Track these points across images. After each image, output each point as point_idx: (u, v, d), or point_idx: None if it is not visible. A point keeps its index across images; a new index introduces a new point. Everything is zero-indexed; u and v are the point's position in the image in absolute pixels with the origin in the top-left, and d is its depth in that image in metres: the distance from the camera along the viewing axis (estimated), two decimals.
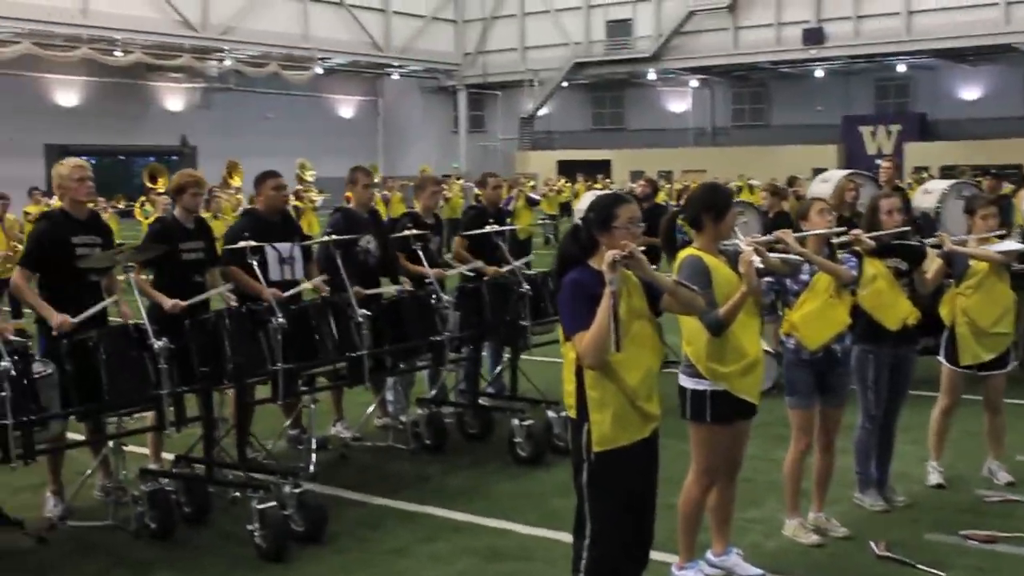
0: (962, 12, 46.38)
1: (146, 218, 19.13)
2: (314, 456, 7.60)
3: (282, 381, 6.60)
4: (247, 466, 6.73)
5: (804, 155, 50.41)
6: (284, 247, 7.77)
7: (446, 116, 63.08)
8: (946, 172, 34.83)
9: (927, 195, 11.84)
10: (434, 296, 7.77)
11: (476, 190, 28.74)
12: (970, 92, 54.76)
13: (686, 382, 5.29)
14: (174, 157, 49.23)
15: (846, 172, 11.55)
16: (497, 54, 59.41)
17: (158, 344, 5.85)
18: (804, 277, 6.01)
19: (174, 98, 53.70)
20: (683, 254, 5.26)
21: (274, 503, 6.11)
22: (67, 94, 49.53)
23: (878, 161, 41.30)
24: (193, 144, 51.60)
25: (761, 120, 60.70)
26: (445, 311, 7.73)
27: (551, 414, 8.05)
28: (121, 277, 6.80)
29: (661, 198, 36.70)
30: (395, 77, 60.14)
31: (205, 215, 16.40)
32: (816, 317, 5.95)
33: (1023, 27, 45.61)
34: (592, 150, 58.65)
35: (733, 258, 5.22)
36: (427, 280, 8.20)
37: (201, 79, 52.91)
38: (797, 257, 5.79)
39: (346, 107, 61.50)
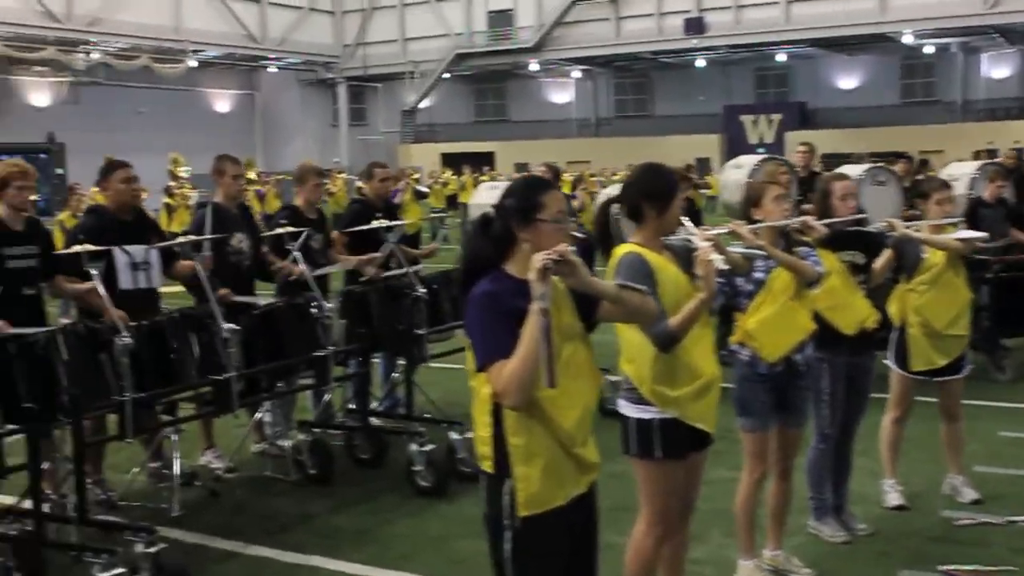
0: (839, 2, 46.65)
1: None
2: (177, 495, 6.48)
3: (130, 414, 5.45)
4: (89, 520, 5.52)
5: (687, 145, 50.55)
6: (137, 250, 6.60)
7: (326, 110, 61.58)
8: (828, 160, 34.79)
9: None
10: (315, 304, 6.66)
11: (359, 183, 27.69)
12: (848, 81, 55.40)
13: (628, 409, 4.27)
14: (41, 155, 46.80)
15: (761, 157, 10.76)
16: (377, 45, 58.10)
17: None
18: (758, 275, 5.03)
19: (39, 93, 51.15)
20: (620, 251, 4.25)
21: (121, 570, 4.96)
22: None
23: (760, 150, 41.10)
24: (61, 141, 49.15)
25: (644, 110, 60.71)
26: (328, 321, 6.63)
27: (454, 436, 7.02)
28: None
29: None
30: (272, 70, 58.38)
31: (63, 215, 15.01)
32: (775, 323, 4.95)
33: (898, 17, 46.10)
34: (475, 142, 57.81)
35: (682, 255, 4.25)
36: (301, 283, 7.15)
37: (68, 73, 50.51)
38: (758, 251, 4.81)
39: (222, 101, 59.46)
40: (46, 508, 5.63)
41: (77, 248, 5.73)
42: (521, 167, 47.60)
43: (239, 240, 7.35)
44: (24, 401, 5.21)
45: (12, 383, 5.24)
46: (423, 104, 59.24)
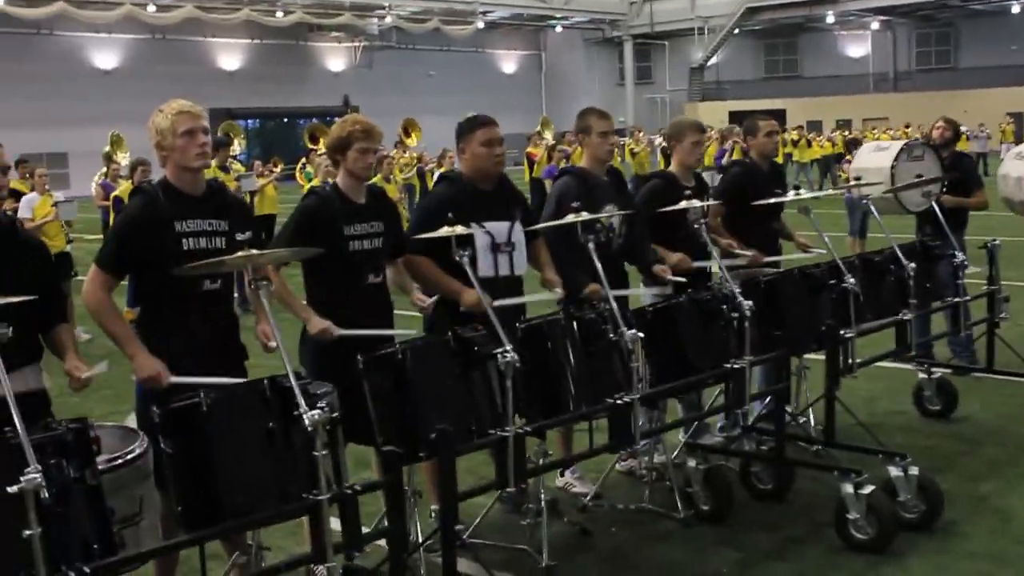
0: None
1: (308, 181, 16.95)
2: (545, 537, 5.11)
3: (513, 453, 4.09)
4: None
5: (998, 99, 46.92)
6: (499, 228, 5.24)
7: (611, 68, 60.46)
8: None
9: None
10: (727, 299, 5.12)
11: (660, 141, 26.12)
12: None
13: None
14: (336, 118, 47.75)
15: None
16: (664, 2, 56.36)
17: (311, 415, 3.34)
18: None
19: (335, 58, 52.38)
20: None
21: None
22: (230, 57, 48.63)
23: None
24: (355, 104, 50.02)
25: (948, 63, 56.86)
26: (745, 322, 5.06)
27: (894, 471, 5.35)
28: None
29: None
30: (558, 29, 57.67)
31: (375, 179, 14.15)
32: None
33: None
34: (765, 99, 55.18)
35: None
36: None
37: (362, 37, 51.32)
38: None
39: (508, 62, 59.24)
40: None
41: (446, 231, 4.38)
42: (813, 125, 44.80)
43: (609, 213, 5.90)
44: (378, 434, 3.95)
45: (360, 409, 4.00)
46: (711, 61, 57.13)
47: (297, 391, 3.32)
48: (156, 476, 3.58)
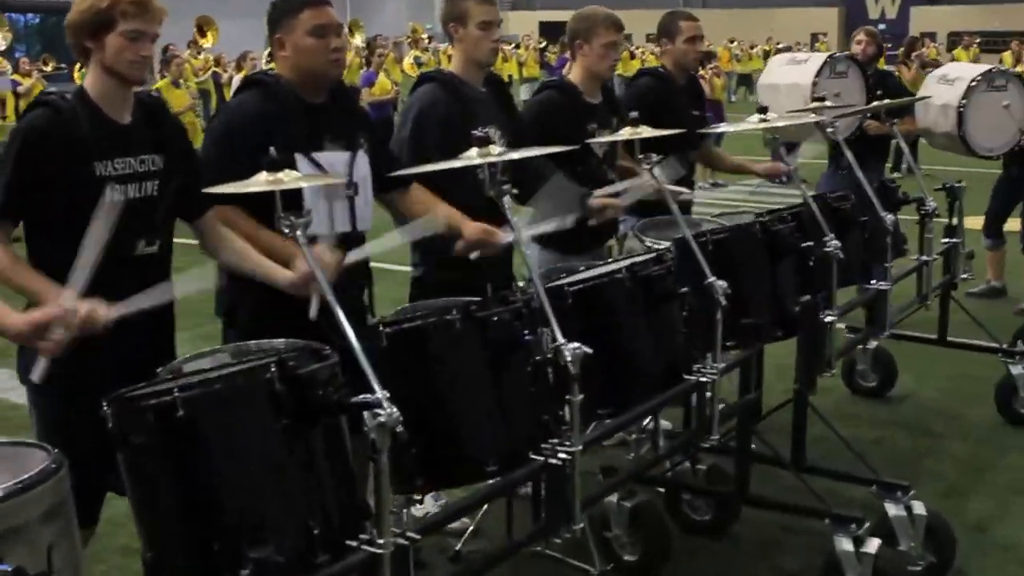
0: None
1: None
2: None
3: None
4: None
5: (801, 19, 47.21)
6: (335, 161, 3.40)
7: None
8: (954, 39, 32.45)
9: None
10: (682, 274, 3.44)
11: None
12: None
13: None
14: None
15: None
16: None
17: None
18: None
19: None
20: None
21: None
22: None
23: (881, 26, 38.40)
24: None
25: None
26: (717, 314, 3.38)
27: (894, 510, 3.84)
28: None
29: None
30: None
31: (160, 83, 11.87)
32: None
33: None
34: (576, 10, 53.89)
35: None
36: None
37: None
38: None
39: None
40: None
41: (264, 181, 2.46)
42: (625, 39, 43.79)
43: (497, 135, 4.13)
44: (145, 546, 2.17)
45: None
46: None
47: None
48: None
